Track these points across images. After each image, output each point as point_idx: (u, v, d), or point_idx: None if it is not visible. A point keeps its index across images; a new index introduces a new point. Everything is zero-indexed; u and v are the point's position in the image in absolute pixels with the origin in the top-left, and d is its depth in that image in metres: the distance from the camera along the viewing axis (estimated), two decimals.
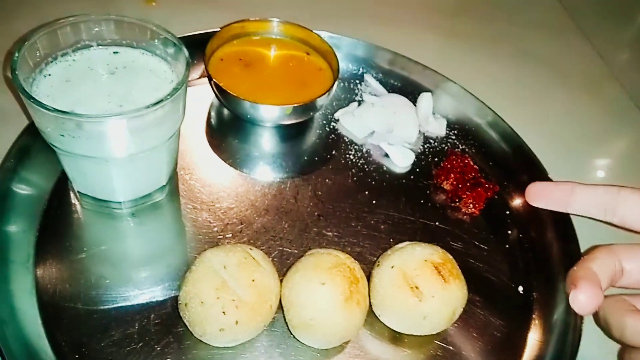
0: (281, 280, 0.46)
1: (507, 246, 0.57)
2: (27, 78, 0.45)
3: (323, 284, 0.43)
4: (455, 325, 0.49)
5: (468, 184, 0.60)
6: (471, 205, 0.59)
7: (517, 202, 0.61)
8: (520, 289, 0.54)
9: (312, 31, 0.66)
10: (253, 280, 0.42)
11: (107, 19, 0.48)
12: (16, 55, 0.44)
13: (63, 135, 0.42)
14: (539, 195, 0.40)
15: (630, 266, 0.38)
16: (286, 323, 0.45)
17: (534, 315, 0.52)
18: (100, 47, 0.49)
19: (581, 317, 0.48)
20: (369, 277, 0.48)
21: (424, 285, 0.44)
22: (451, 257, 0.47)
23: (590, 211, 0.36)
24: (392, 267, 0.46)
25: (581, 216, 0.39)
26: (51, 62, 0.48)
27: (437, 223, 0.58)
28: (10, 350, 0.40)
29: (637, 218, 0.35)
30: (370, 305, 0.47)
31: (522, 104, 0.77)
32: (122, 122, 0.41)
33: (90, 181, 0.49)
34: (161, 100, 0.42)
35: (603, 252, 0.38)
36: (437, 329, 0.46)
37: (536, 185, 0.40)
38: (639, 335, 0.35)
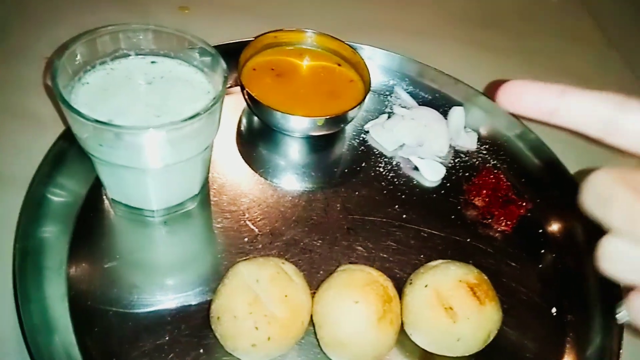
0: (312, 295, 0.46)
1: (540, 265, 0.56)
2: (66, 86, 0.45)
3: (356, 303, 0.42)
4: (487, 346, 0.48)
5: (500, 201, 0.59)
6: (503, 222, 0.58)
7: (550, 219, 0.60)
8: (554, 310, 0.53)
9: (343, 42, 0.66)
10: (286, 296, 0.42)
11: (145, 28, 0.49)
12: (56, 63, 0.44)
13: (102, 145, 0.42)
14: (516, 97, 0.26)
15: None
16: (317, 340, 0.45)
17: (568, 339, 0.50)
18: (138, 56, 0.49)
19: (620, 343, 0.46)
20: (400, 294, 0.47)
21: (458, 306, 0.43)
22: (486, 277, 0.46)
23: (584, 124, 0.25)
24: (426, 286, 0.45)
25: (567, 131, 0.27)
26: (89, 70, 0.48)
27: (468, 240, 0.57)
28: (43, 358, 0.40)
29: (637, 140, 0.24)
30: (402, 324, 0.46)
31: None
32: (161, 134, 0.41)
33: (125, 189, 0.49)
34: (199, 114, 0.42)
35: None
36: (471, 351, 0.45)
37: (513, 85, 0.26)
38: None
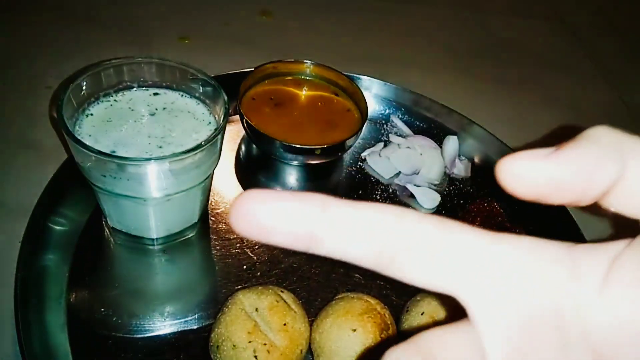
0: (310, 323, 0.46)
1: None
2: (70, 117, 0.47)
3: (354, 331, 0.43)
4: None
5: (494, 228, 0.60)
6: None
7: None
8: None
9: (341, 73, 0.68)
10: (284, 325, 0.43)
11: (148, 61, 0.50)
12: (62, 96, 0.45)
13: (104, 176, 0.43)
14: (251, 220, 0.19)
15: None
16: None
17: None
18: (141, 88, 0.51)
19: None
20: (396, 322, 0.48)
21: None
22: None
23: (353, 251, 0.19)
24: (422, 313, 0.46)
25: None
26: (94, 102, 0.49)
27: None
28: None
29: (422, 270, 0.19)
30: None
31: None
32: (163, 165, 0.42)
33: (126, 218, 0.50)
34: (200, 145, 0.43)
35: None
36: None
37: (245, 200, 0.19)
38: None
